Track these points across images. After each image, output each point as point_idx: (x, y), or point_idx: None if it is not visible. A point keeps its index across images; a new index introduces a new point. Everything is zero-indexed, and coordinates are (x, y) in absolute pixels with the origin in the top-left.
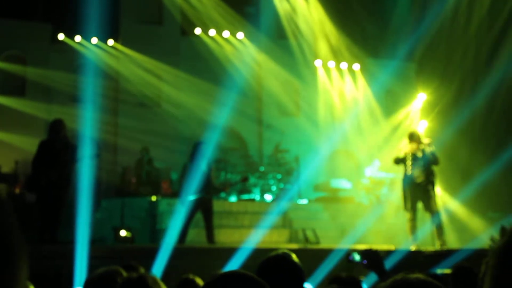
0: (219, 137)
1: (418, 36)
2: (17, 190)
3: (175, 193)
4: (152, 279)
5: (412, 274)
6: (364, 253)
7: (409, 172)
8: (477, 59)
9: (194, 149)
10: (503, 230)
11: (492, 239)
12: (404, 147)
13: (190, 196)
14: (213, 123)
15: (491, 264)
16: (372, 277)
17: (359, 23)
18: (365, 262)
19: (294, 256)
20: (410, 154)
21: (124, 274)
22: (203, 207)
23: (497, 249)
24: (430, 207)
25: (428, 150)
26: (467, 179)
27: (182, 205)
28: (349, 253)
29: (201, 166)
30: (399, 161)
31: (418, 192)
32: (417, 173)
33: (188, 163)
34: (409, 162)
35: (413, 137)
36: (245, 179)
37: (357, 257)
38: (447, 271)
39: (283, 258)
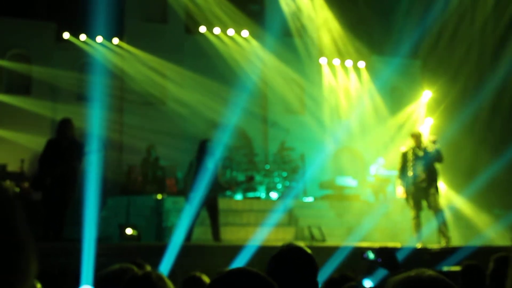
0: (224, 135)
1: (423, 33)
2: (24, 187)
3: (181, 191)
4: (157, 276)
5: (425, 271)
6: (378, 252)
7: (411, 172)
8: (482, 56)
9: (201, 146)
10: None
11: None
12: (407, 144)
13: (196, 194)
14: (218, 121)
15: None
16: (380, 273)
17: (364, 20)
18: (379, 260)
19: (307, 248)
20: (412, 154)
21: (136, 271)
22: (209, 205)
23: None
24: (433, 205)
25: (431, 148)
26: (473, 176)
27: (188, 203)
28: (363, 251)
29: (208, 164)
30: (403, 165)
31: (420, 191)
32: (419, 173)
33: (194, 160)
34: (410, 164)
35: (414, 136)
36: (251, 179)
37: (371, 255)
38: (454, 268)
39: (297, 249)
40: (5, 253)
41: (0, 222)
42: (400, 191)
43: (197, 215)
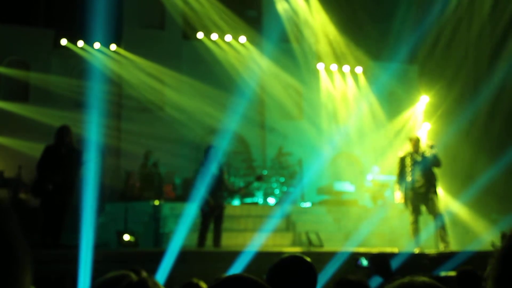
0: (222, 140)
1: (420, 39)
2: (21, 195)
3: (178, 197)
4: (153, 282)
5: (419, 278)
6: (372, 258)
7: (409, 177)
8: (479, 61)
9: (206, 153)
10: (503, 236)
11: (493, 245)
12: (404, 149)
13: (204, 200)
14: (216, 127)
15: (493, 267)
16: (376, 281)
17: (361, 25)
18: (372, 267)
19: (308, 259)
20: (410, 159)
21: (134, 278)
22: (217, 211)
23: (497, 253)
24: (433, 209)
25: (429, 153)
26: (471, 181)
27: (199, 209)
28: (356, 257)
29: (212, 169)
30: (401, 170)
31: (419, 196)
32: (417, 178)
33: (200, 167)
34: (408, 169)
35: (412, 141)
36: (259, 177)
37: (364, 262)
38: (451, 273)
39: (299, 259)
40: (1, 263)
41: None
42: (398, 196)
43: (208, 221)
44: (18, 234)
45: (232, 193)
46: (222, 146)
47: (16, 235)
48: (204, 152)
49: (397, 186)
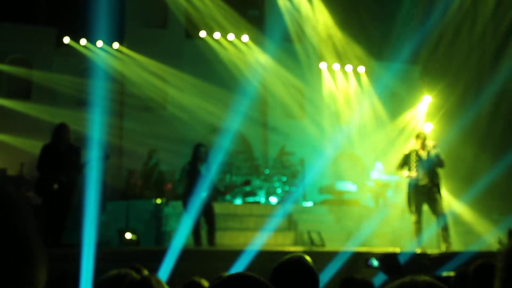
0: (224, 139)
1: (422, 39)
2: (29, 193)
3: (178, 195)
4: (156, 281)
5: (420, 277)
6: (382, 259)
7: (414, 174)
8: (482, 61)
9: (194, 152)
10: (510, 233)
11: (500, 242)
12: (410, 145)
13: (192, 199)
14: (218, 126)
15: (499, 266)
16: (379, 278)
17: (364, 25)
18: (383, 267)
19: (309, 259)
20: (415, 156)
21: (135, 276)
22: (204, 210)
23: (504, 252)
24: (436, 209)
25: (433, 152)
26: (473, 181)
27: (185, 209)
28: (367, 258)
29: (201, 169)
30: (403, 164)
31: (422, 194)
32: (422, 176)
33: (187, 165)
34: (413, 164)
35: (419, 137)
36: (246, 183)
37: (375, 263)
38: (452, 273)
39: (299, 261)
40: (16, 262)
41: (11, 231)
42: (406, 173)
43: (197, 220)
44: (35, 232)
45: (220, 194)
46: (224, 145)
47: (33, 234)
48: (193, 150)
49: (398, 171)
